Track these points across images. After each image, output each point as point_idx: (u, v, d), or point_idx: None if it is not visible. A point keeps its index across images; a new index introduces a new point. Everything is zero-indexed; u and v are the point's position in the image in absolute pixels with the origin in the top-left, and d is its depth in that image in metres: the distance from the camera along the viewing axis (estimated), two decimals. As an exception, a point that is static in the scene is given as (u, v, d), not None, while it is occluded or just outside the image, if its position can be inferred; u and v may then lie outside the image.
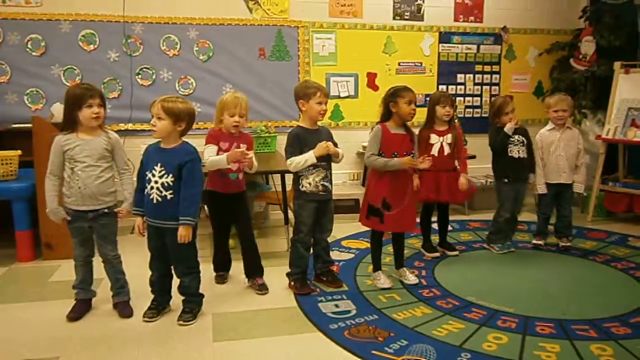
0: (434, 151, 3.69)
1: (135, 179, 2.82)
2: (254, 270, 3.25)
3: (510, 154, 3.80)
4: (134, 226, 2.79)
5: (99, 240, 2.81)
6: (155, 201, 2.65)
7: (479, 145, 4.27)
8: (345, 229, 4.49)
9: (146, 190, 2.68)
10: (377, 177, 3.18)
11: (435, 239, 3.99)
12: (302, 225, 3.15)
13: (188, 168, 2.63)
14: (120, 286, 2.89)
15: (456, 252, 3.91)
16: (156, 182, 2.64)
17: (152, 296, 2.86)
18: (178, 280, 2.82)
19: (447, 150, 3.71)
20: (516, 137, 3.80)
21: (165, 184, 2.63)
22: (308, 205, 3.12)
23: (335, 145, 3.19)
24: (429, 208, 3.88)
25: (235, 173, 3.10)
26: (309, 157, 3.02)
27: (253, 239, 3.24)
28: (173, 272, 2.83)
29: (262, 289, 3.15)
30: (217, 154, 3.01)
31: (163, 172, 2.64)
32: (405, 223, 3.23)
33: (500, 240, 3.98)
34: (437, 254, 3.86)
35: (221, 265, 3.39)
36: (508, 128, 3.72)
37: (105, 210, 2.77)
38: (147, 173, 2.68)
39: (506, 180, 3.84)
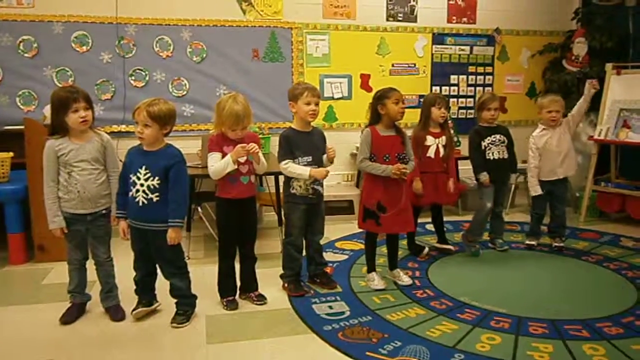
0: (430, 153, 3.69)
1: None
2: (249, 286, 3.10)
3: (487, 157, 3.83)
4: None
5: (93, 241, 2.81)
6: (140, 204, 2.63)
7: (472, 146, 4.33)
8: (339, 230, 4.49)
9: (131, 193, 2.66)
10: (371, 180, 3.18)
11: (432, 240, 4.01)
12: (292, 227, 3.15)
13: (174, 171, 2.62)
14: (108, 290, 2.88)
15: (451, 247, 3.94)
16: (142, 185, 2.62)
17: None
18: (168, 284, 2.81)
19: (442, 152, 3.72)
20: (497, 136, 3.83)
21: (151, 187, 2.62)
22: (298, 207, 3.11)
23: (327, 149, 3.18)
24: (417, 210, 3.84)
25: (246, 176, 2.91)
26: (304, 173, 3.00)
27: (254, 251, 3.09)
28: (160, 273, 2.82)
29: (261, 299, 3.05)
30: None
31: (148, 174, 2.62)
32: (402, 224, 3.24)
33: (477, 235, 3.94)
34: (427, 249, 3.88)
35: (232, 287, 3.05)
36: (482, 180, 3.79)
37: (103, 212, 2.77)
38: (130, 176, 2.66)
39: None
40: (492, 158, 3.83)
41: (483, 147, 3.82)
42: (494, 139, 3.82)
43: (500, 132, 3.86)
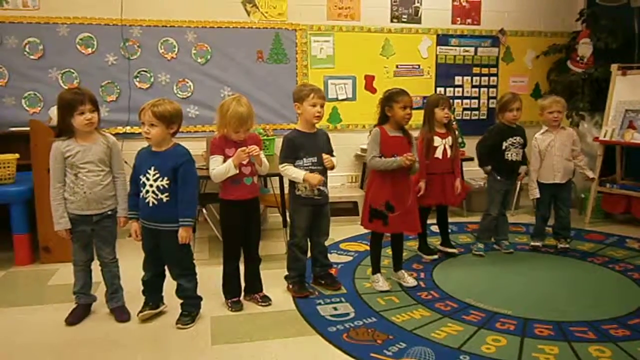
0: (438, 154, 3.69)
1: (128, 182, 2.82)
2: (254, 287, 3.10)
3: (506, 157, 3.82)
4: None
5: (99, 242, 2.82)
6: (151, 204, 2.65)
7: (476, 147, 4.32)
8: (344, 231, 4.49)
9: (141, 194, 2.67)
10: (379, 179, 3.17)
11: (435, 241, 4.00)
12: (296, 229, 3.15)
13: (183, 170, 2.64)
14: (113, 291, 2.88)
15: (455, 250, 3.92)
16: (151, 185, 2.64)
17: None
18: (175, 284, 2.81)
19: (449, 152, 3.72)
20: (517, 138, 3.83)
21: (161, 187, 2.63)
22: (303, 209, 3.11)
23: (332, 151, 3.18)
24: (425, 210, 3.86)
25: (249, 177, 2.91)
26: (299, 176, 3.00)
27: (258, 252, 3.10)
28: (168, 273, 2.83)
29: (265, 300, 3.05)
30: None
31: (157, 175, 2.64)
32: (409, 225, 3.24)
33: (486, 238, 3.98)
34: (435, 256, 3.87)
35: (237, 288, 3.04)
36: (486, 171, 3.90)
37: (109, 213, 2.79)
38: (140, 177, 2.68)
39: (499, 177, 3.86)
40: (510, 159, 3.83)
41: (503, 147, 3.81)
42: (514, 141, 3.82)
43: (519, 133, 3.86)
